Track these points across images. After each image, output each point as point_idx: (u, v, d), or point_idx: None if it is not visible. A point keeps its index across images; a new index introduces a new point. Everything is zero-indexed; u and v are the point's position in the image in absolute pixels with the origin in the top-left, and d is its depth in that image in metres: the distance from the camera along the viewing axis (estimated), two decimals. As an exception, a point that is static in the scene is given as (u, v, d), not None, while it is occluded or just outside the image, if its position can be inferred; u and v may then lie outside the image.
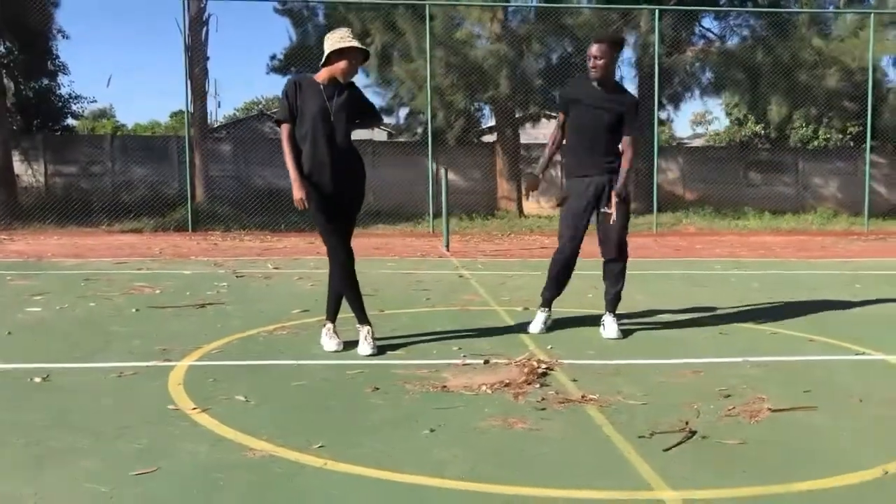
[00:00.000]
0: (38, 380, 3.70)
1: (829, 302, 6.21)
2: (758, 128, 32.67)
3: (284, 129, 4.23)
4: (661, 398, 3.45)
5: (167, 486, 2.45)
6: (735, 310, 5.82)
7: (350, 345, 4.40)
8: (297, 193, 4.16)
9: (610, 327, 4.78)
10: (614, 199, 4.65)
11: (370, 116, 4.46)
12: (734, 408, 3.30)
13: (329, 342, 4.39)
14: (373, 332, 4.36)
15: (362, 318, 4.39)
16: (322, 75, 4.25)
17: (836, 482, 2.52)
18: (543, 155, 4.94)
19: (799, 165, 21.04)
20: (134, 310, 5.67)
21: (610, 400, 3.42)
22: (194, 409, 3.25)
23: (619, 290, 4.87)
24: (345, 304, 4.43)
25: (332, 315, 4.48)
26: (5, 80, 21.32)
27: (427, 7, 14.67)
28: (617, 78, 4.91)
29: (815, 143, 31.69)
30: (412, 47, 17.06)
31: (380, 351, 4.29)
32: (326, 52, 4.18)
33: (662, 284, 7.35)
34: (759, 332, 5.01)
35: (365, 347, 4.28)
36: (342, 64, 4.19)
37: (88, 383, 3.67)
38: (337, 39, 4.18)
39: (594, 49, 4.62)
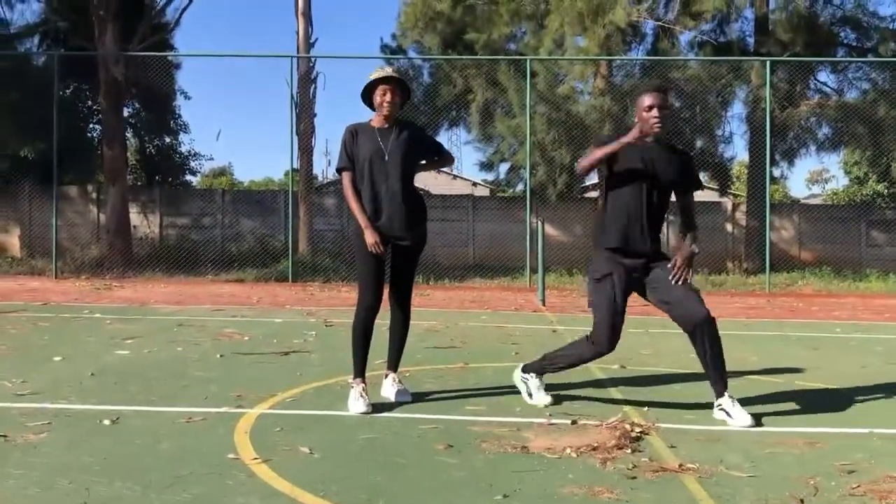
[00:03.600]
0: (107, 422, 3.62)
1: (970, 370, 5.51)
2: (880, 187, 30.92)
3: (346, 177, 4.16)
4: (770, 471, 3.02)
5: (207, 542, 2.25)
6: (857, 375, 5.24)
7: (419, 395, 4.19)
8: (370, 238, 4.02)
9: (738, 414, 3.80)
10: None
11: (438, 154, 4.34)
12: (859, 486, 2.84)
13: (356, 404, 3.94)
14: (366, 390, 4.01)
15: (357, 372, 4.07)
16: (376, 120, 4.19)
17: None
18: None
19: (928, 225, 19.61)
20: (218, 356, 5.62)
21: (711, 470, 3.02)
22: (255, 459, 3.07)
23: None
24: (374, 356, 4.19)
25: (361, 371, 4.10)
26: (130, 138, 22.72)
27: (528, 62, 14.61)
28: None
29: (948, 202, 29.65)
30: (514, 103, 17.03)
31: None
32: (361, 94, 4.17)
33: (775, 346, 6.77)
34: (885, 400, 4.44)
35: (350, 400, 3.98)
36: (376, 98, 4.11)
37: (155, 428, 3.56)
38: (368, 80, 4.13)
39: (658, 98, 3.84)
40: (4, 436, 3.33)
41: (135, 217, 18.59)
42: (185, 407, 3.95)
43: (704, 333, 3.76)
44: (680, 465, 3.06)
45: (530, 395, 4.17)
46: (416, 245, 4.20)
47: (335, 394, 4.33)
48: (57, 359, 5.35)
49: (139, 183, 23.26)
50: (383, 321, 4.22)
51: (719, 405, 3.87)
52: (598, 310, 3.90)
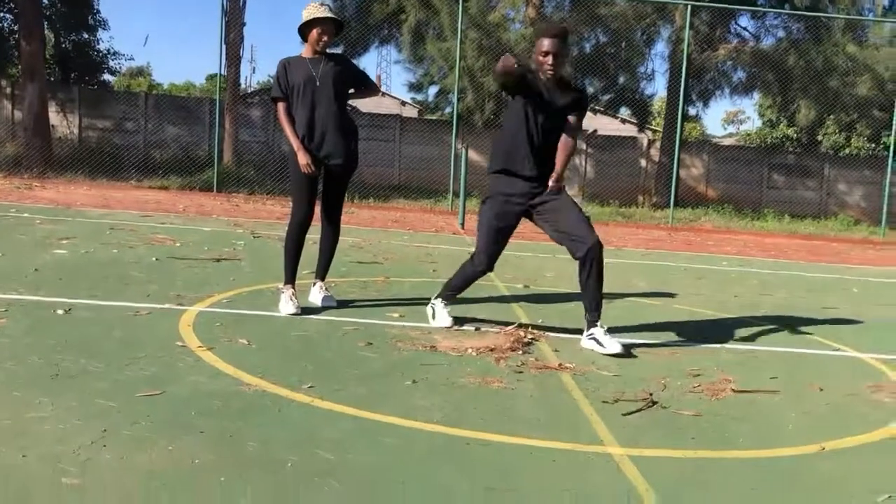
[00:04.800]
0: (60, 312, 4.01)
1: (822, 302, 6.37)
2: (790, 131, 32.49)
3: (280, 107, 4.52)
4: (632, 372, 3.69)
5: (169, 406, 2.74)
6: (728, 303, 6.02)
7: (343, 303, 4.73)
8: (303, 159, 4.44)
9: (609, 342, 4.01)
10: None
11: (365, 85, 4.72)
12: (699, 385, 3.53)
13: (287, 306, 4.42)
14: (295, 295, 4.50)
15: (287, 279, 4.56)
16: (306, 51, 4.56)
17: (773, 453, 2.74)
18: None
19: (825, 171, 21.00)
20: (154, 259, 5.99)
21: (584, 370, 3.66)
22: (199, 347, 3.54)
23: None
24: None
25: (291, 278, 4.60)
26: (46, 32, 21.81)
27: (462, -13, 14.80)
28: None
29: (847, 150, 31.50)
30: (446, 27, 17.22)
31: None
32: (299, 26, 4.50)
33: (664, 274, 7.54)
34: (745, 323, 5.20)
35: (281, 303, 4.46)
36: (313, 34, 4.47)
37: (106, 318, 3.98)
38: (306, 14, 4.47)
39: (555, 46, 4.03)
40: (-32, 320, 3.70)
41: (53, 117, 18.16)
42: (129, 302, 4.36)
43: (593, 258, 3.97)
44: (559, 365, 3.69)
45: (434, 316, 4.44)
46: (346, 165, 4.63)
47: (267, 298, 4.80)
48: (-3, 255, 5.62)
49: (52, 79, 22.49)
50: (311, 236, 4.67)
51: (591, 335, 4.06)
52: (480, 228, 4.23)
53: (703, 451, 2.71)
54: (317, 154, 4.50)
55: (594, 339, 4.06)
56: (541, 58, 4.07)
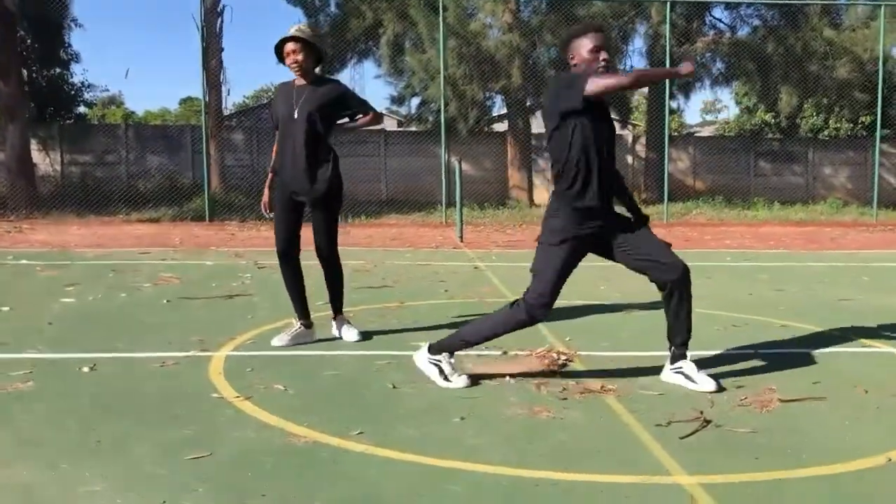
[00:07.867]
0: (86, 369, 3.91)
1: (838, 294, 6.37)
2: (768, 117, 32.70)
3: (277, 136, 4.40)
4: (676, 389, 3.64)
5: (221, 469, 2.65)
6: (745, 302, 5.99)
7: (366, 334, 4.71)
8: (264, 197, 4.46)
9: (702, 379, 3.63)
10: None
11: (361, 113, 4.43)
12: (746, 398, 3.49)
13: (278, 339, 4.45)
14: (299, 330, 4.50)
15: (295, 313, 4.53)
16: (298, 79, 4.35)
17: (841, 468, 2.70)
18: None
19: (809, 155, 21.14)
20: (165, 301, 5.88)
21: (628, 390, 3.61)
22: (237, 397, 3.46)
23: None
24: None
25: (298, 312, 4.56)
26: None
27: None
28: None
29: (826, 132, 31.77)
30: (424, 38, 17.19)
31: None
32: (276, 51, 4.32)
33: (674, 276, 7.51)
34: (769, 324, 5.18)
35: (282, 337, 4.46)
36: (286, 59, 4.27)
37: (133, 372, 3.88)
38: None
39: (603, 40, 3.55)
40: (-6, 386, 3.60)
41: (35, 155, 17.96)
42: (152, 352, 4.27)
43: (686, 284, 3.59)
44: (602, 387, 3.63)
45: (444, 376, 3.68)
46: (316, 202, 4.38)
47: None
48: (5, 308, 5.50)
49: (27, 115, 22.24)
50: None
51: (679, 368, 3.69)
52: (546, 272, 3.59)
53: (771, 471, 2.66)
54: (288, 189, 4.38)
55: (682, 373, 3.68)
56: (588, 55, 3.47)
